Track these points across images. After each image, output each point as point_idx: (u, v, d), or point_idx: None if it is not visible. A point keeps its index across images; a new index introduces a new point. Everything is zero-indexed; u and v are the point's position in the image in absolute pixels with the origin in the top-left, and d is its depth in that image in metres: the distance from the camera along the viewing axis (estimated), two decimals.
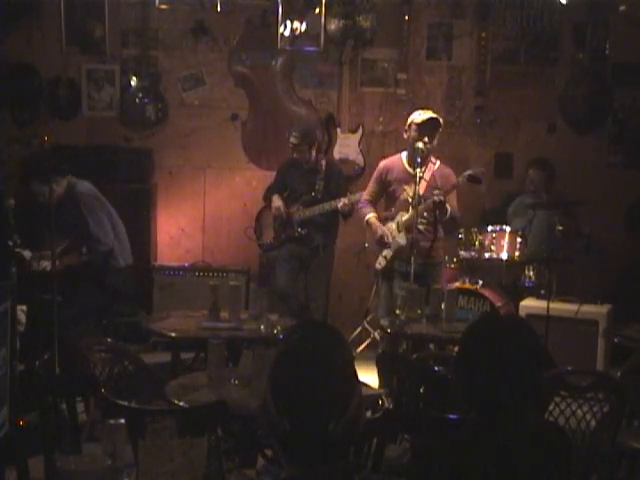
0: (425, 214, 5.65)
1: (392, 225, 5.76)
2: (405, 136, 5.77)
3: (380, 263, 5.81)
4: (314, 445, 1.96)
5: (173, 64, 7.37)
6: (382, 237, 5.74)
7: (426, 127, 5.62)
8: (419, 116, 5.68)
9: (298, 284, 6.41)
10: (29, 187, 5.58)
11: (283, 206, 6.34)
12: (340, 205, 6.09)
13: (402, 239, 5.66)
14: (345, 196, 6.15)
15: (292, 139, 6.23)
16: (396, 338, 5.40)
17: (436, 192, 5.54)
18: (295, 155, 6.28)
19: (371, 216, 5.86)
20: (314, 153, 6.28)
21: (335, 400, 1.97)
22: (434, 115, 5.68)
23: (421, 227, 5.68)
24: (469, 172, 5.68)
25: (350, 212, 6.16)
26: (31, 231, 5.58)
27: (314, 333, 2.09)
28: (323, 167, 6.33)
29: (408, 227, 5.62)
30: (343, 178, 6.56)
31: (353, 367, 2.06)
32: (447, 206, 5.58)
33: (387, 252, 5.76)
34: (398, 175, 5.80)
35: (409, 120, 5.73)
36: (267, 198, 6.58)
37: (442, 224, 5.78)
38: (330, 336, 2.10)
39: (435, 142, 5.67)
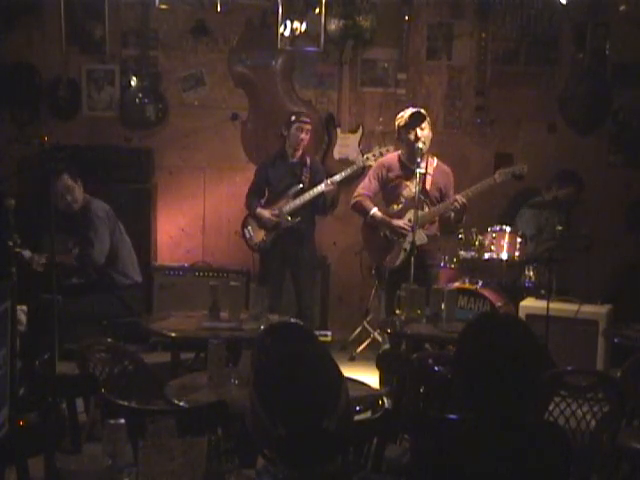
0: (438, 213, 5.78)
1: (404, 221, 5.78)
2: (400, 141, 5.87)
3: (393, 262, 5.84)
4: (311, 445, 1.97)
5: (173, 64, 7.37)
6: (401, 229, 5.76)
7: (412, 123, 5.72)
8: (402, 117, 5.80)
9: (284, 282, 6.47)
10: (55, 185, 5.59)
11: (269, 213, 6.35)
12: (325, 188, 6.15)
13: (423, 236, 5.68)
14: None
15: (305, 122, 6.31)
16: (396, 338, 5.40)
17: (459, 196, 5.66)
18: (303, 136, 6.31)
19: (376, 210, 5.87)
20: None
21: (325, 395, 1.98)
22: (414, 110, 5.78)
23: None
24: (512, 170, 5.86)
25: (334, 198, 6.27)
26: (31, 231, 5.59)
27: (283, 335, 2.11)
28: (308, 162, 6.40)
29: (423, 224, 5.70)
30: (325, 175, 6.62)
31: (332, 358, 2.08)
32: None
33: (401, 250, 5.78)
34: (399, 172, 5.86)
35: (396, 125, 5.84)
36: (250, 205, 6.49)
37: (449, 223, 5.87)
38: (299, 333, 2.13)
39: (426, 131, 5.73)
